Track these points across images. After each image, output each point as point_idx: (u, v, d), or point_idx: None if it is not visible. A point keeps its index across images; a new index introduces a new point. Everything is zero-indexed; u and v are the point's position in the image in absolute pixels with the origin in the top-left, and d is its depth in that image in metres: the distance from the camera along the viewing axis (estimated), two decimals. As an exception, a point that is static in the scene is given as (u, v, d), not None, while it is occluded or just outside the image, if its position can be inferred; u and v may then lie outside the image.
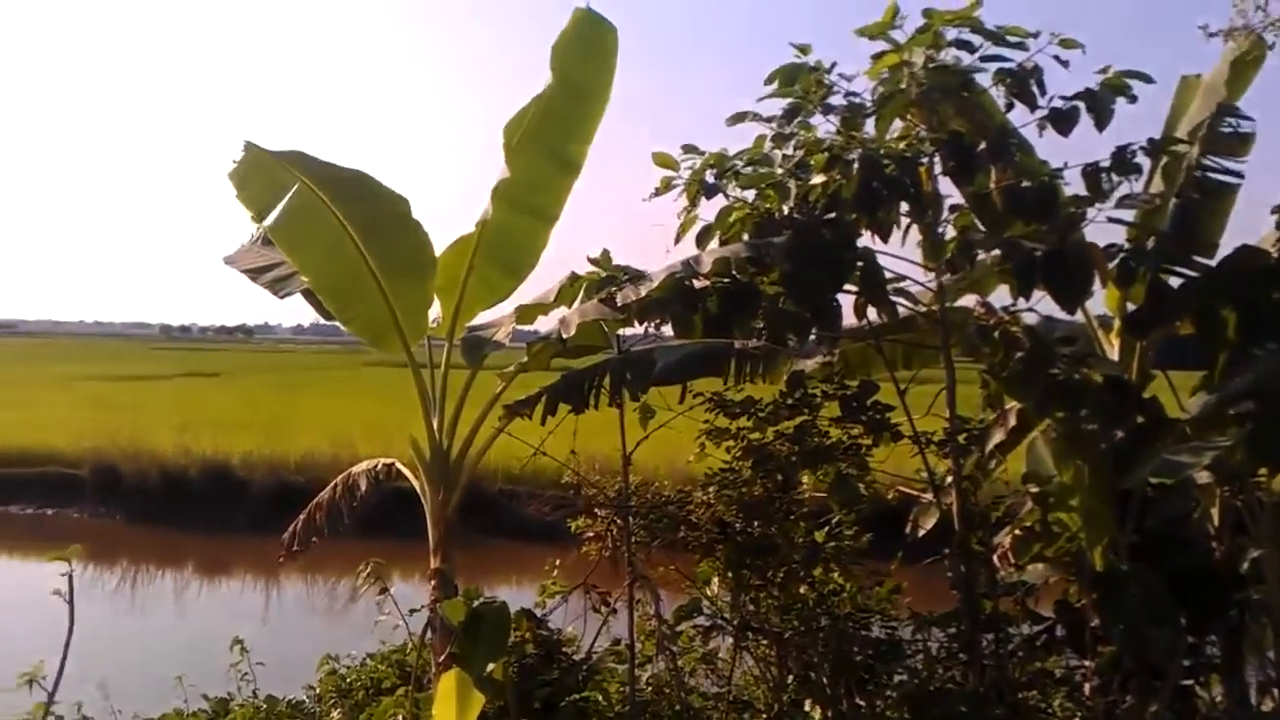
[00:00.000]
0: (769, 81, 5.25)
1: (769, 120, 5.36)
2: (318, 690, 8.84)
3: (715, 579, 5.59)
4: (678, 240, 5.52)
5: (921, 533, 5.27)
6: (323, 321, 5.87)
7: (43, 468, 22.81)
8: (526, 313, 5.31)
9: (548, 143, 5.36)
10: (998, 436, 5.29)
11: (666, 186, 5.48)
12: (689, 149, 5.49)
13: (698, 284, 5.17)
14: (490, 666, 4.43)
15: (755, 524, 5.40)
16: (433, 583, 5.18)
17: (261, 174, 4.97)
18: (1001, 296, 5.19)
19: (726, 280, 5.19)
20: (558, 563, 6.38)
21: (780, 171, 5.31)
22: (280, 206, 4.90)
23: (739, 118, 5.37)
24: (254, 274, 5.67)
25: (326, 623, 16.69)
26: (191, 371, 56.62)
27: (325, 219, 4.92)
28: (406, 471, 5.54)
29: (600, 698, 5.79)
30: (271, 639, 8.85)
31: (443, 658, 4.89)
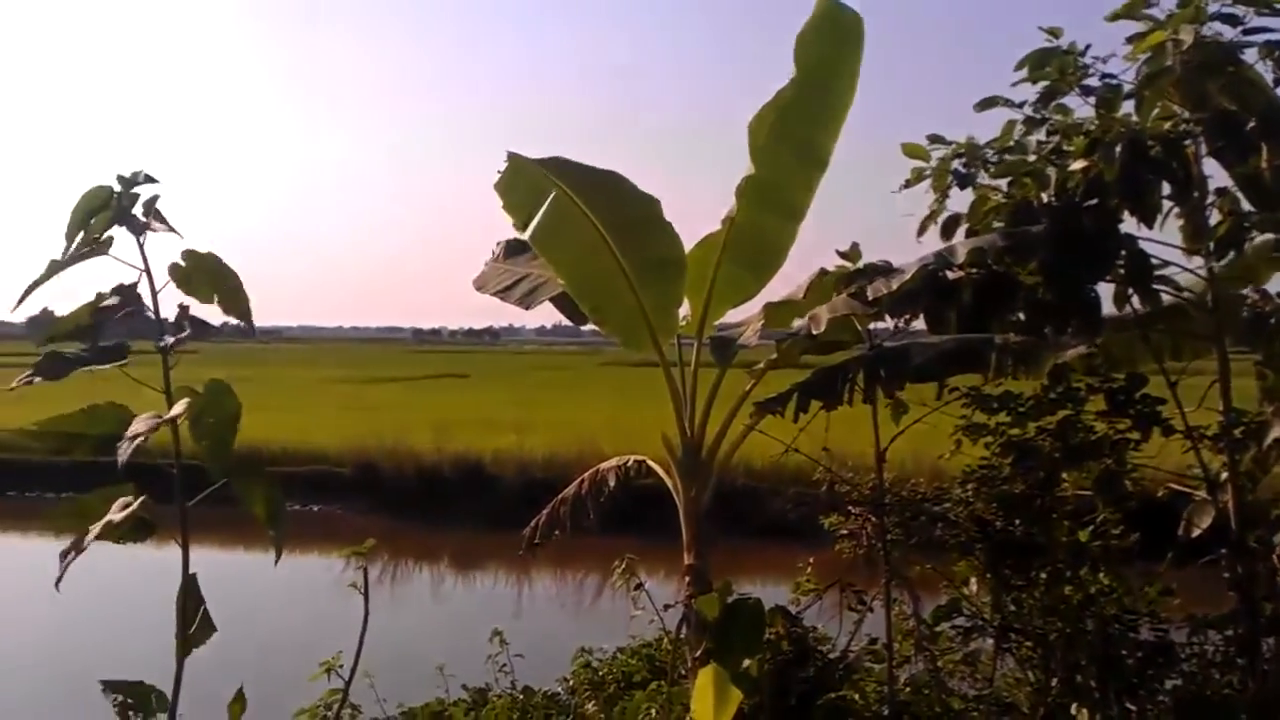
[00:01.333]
0: (1019, 67, 5.06)
1: (1019, 105, 5.18)
2: (570, 682, 9.06)
3: (974, 579, 5.45)
4: (921, 232, 5.39)
5: (1196, 532, 5.00)
6: (565, 323, 5.99)
7: (310, 466, 23.97)
8: (776, 314, 5.29)
9: (794, 138, 5.30)
10: (1276, 431, 4.97)
11: (918, 178, 5.35)
12: (935, 139, 5.36)
13: (951, 275, 5.03)
14: (746, 663, 4.43)
15: (1016, 522, 5.24)
16: (686, 579, 5.22)
17: (524, 182, 5.11)
18: (1278, 283, 4.90)
19: (982, 271, 5.04)
20: (810, 560, 6.34)
21: (1034, 158, 5.13)
22: (539, 216, 5.03)
23: (989, 103, 5.20)
24: (503, 294, 5.85)
25: (574, 616, 17.06)
26: (442, 373, 58.74)
27: (581, 223, 5.01)
28: (658, 468, 5.60)
29: (857, 697, 5.73)
30: (522, 632, 9.07)
31: (698, 653, 4.92)
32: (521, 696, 8.21)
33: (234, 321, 2.84)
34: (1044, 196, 5.06)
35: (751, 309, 5.74)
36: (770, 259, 5.52)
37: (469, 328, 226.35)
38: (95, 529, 2.72)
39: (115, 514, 2.71)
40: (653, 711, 6.88)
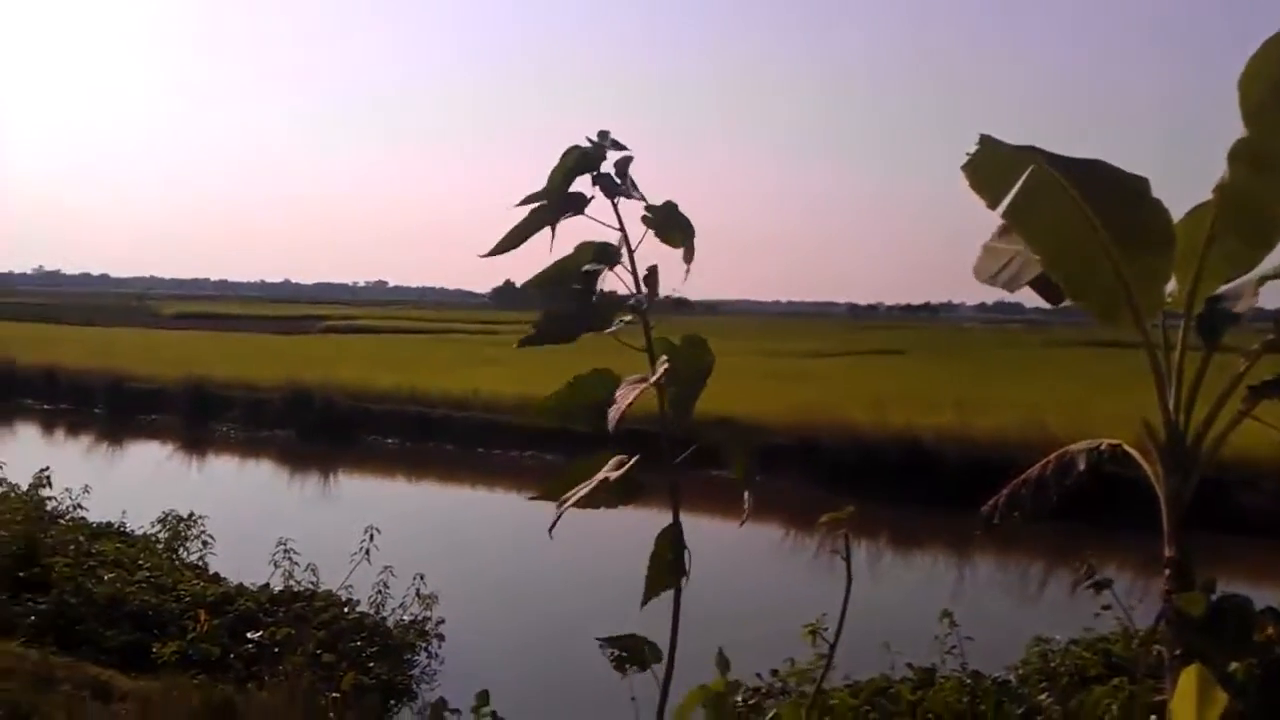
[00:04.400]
0: None
1: None
2: (1020, 670, 8.77)
3: None
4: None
5: None
6: (1008, 300, 5.73)
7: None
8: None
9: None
10: None
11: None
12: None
13: None
14: (1233, 665, 4.11)
15: None
16: (1166, 572, 4.86)
17: (994, 164, 4.94)
18: None
19: None
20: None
21: None
22: (1013, 191, 4.84)
23: None
24: (991, 279, 5.68)
25: (1018, 603, 16.52)
26: (879, 349, 58.51)
27: (1059, 196, 4.78)
28: (1136, 455, 5.25)
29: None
30: (962, 614, 8.87)
31: (1177, 652, 4.58)
32: (970, 681, 8.04)
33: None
34: None
35: (1244, 282, 5.25)
36: (1269, 229, 5.02)
37: (906, 303, 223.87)
38: (583, 489, 2.83)
39: (610, 473, 2.81)
40: (1113, 708, 6.51)
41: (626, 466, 2.80)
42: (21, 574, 11.37)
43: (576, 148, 2.98)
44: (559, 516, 2.72)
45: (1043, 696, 7.79)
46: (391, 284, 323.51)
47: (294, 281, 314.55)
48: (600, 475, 2.87)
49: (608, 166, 2.86)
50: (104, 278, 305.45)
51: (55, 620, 10.60)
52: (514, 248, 3.01)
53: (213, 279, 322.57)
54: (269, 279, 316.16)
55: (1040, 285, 5.45)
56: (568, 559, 17.09)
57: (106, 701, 7.87)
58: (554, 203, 2.94)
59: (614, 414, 2.80)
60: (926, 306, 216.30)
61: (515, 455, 27.16)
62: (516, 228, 2.95)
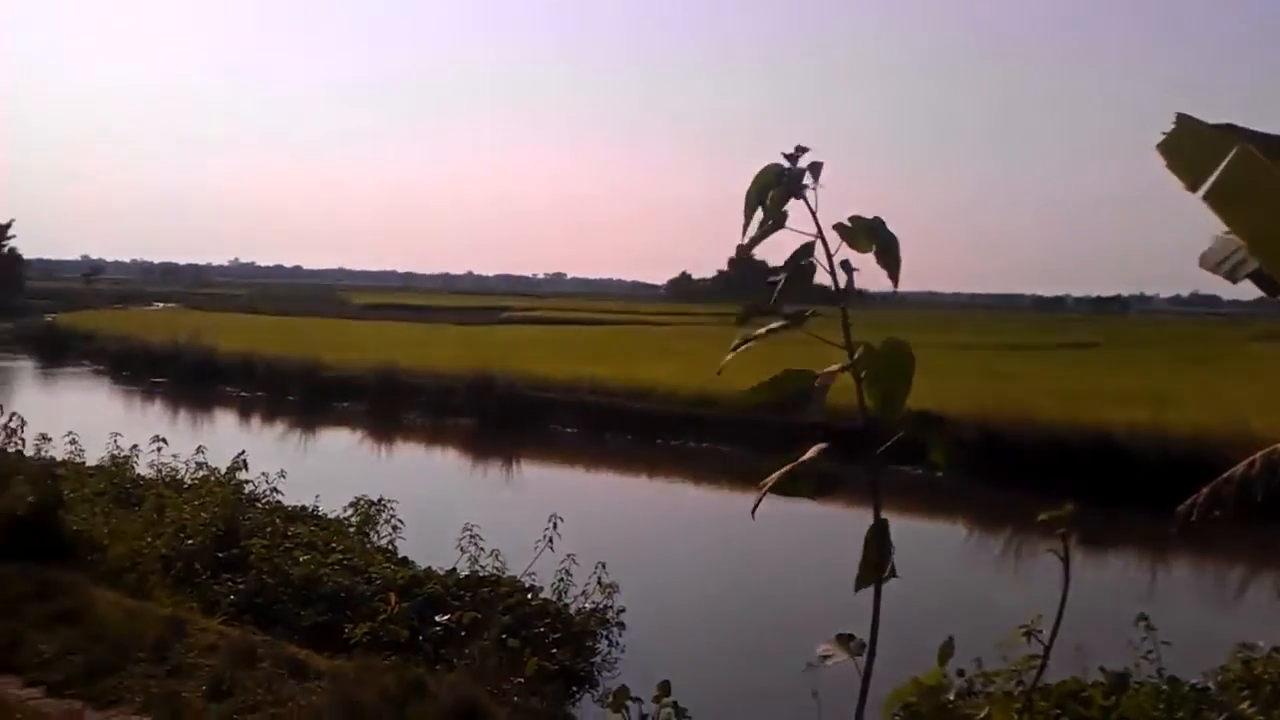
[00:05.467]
0: None
1: None
2: (1220, 678, 8.35)
3: None
4: None
5: None
6: (1203, 292, 5.42)
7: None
8: None
9: None
10: None
11: None
12: None
13: None
14: None
15: None
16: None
17: (1193, 144, 4.68)
18: None
19: None
20: None
21: None
22: (1216, 173, 4.58)
23: None
24: (1215, 267, 5.40)
25: (1216, 608, 15.83)
26: (1067, 342, 56.80)
27: (1269, 180, 4.50)
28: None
29: None
30: (1157, 619, 8.51)
31: None
32: (1167, 688, 7.71)
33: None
34: None
35: None
36: None
37: (1095, 295, 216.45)
38: (783, 471, 2.78)
39: (807, 468, 2.76)
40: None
41: (819, 449, 2.74)
42: (221, 554, 11.87)
43: (774, 166, 2.95)
44: (760, 499, 2.69)
45: (1245, 705, 7.40)
46: (570, 276, 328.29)
47: (476, 273, 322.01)
48: (804, 458, 2.81)
49: (800, 173, 2.82)
50: (297, 269, 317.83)
51: (253, 599, 11.03)
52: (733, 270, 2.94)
53: (399, 271, 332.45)
54: (452, 271, 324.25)
55: (1258, 276, 5.15)
56: (749, 552, 17.05)
57: (303, 679, 8.13)
58: (763, 226, 2.91)
59: (820, 383, 2.75)
60: (1117, 299, 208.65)
61: (693, 447, 27.22)
62: (738, 254, 2.91)
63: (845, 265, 2.88)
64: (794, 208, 2.85)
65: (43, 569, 10.42)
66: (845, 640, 2.64)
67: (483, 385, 31.55)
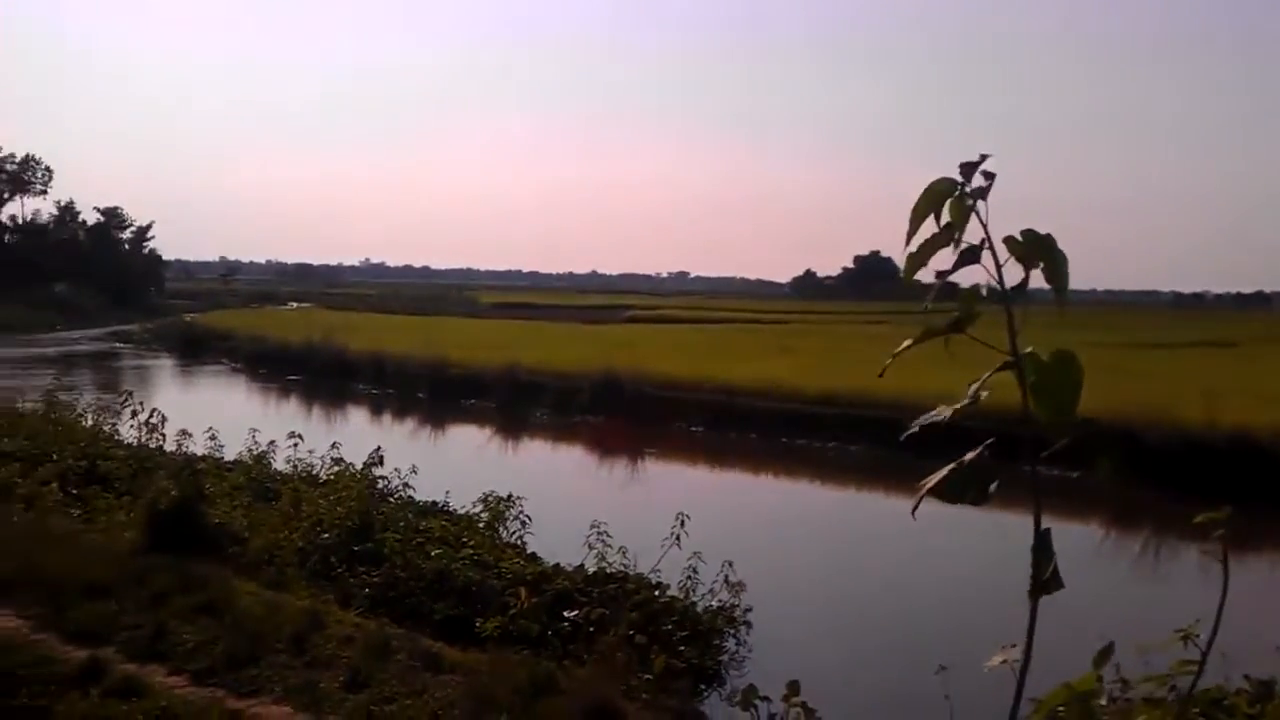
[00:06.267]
0: None
1: None
2: None
3: None
4: None
5: None
6: None
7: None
8: None
9: None
10: None
11: None
12: None
13: None
14: None
15: None
16: None
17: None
18: None
19: None
20: None
21: None
22: None
23: None
24: None
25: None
26: (1205, 340, 55.02)
27: None
28: None
29: None
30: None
31: None
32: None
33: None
34: None
35: None
36: None
37: (1236, 292, 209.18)
38: (941, 473, 2.72)
39: (971, 469, 2.69)
40: None
41: (984, 448, 2.67)
42: (356, 548, 12.11)
43: (945, 179, 2.90)
44: (919, 499, 2.64)
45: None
46: (693, 274, 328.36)
47: (600, 272, 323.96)
48: (969, 458, 2.74)
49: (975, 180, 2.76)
50: (425, 269, 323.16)
51: (387, 593, 11.23)
52: (915, 269, 2.93)
53: (525, 270, 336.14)
54: (576, 270, 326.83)
55: None
56: (878, 553, 16.86)
57: (437, 672, 8.25)
58: (933, 239, 2.86)
59: (977, 389, 2.69)
60: (1259, 295, 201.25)
61: (819, 446, 26.99)
62: (907, 267, 2.88)
63: (1018, 287, 2.80)
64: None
65: (185, 561, 10.73)
66: (1006, 649, 2.57)
67: (607, 383, 31.73)
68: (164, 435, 16.60)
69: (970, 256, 2.81)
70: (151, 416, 16.55)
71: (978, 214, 2.78)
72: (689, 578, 11.49)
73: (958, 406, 2.74)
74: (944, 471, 2.65)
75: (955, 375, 2.79)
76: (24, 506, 13.49)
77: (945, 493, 2.62)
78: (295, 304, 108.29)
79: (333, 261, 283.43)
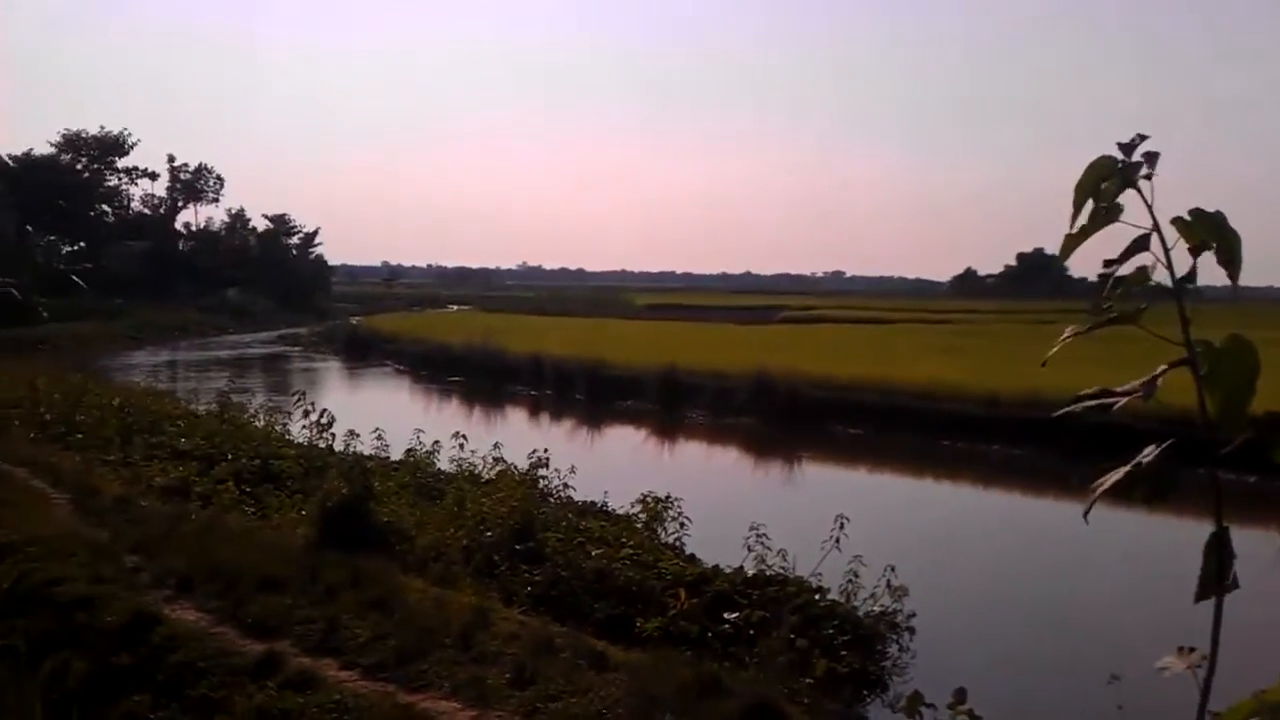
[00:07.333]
0: None
1: None
2: None
3: None
4: None
5: None
6: None
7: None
8: None
9: None
10: None
11: None
12: None
13: None
14: None
15: None
16: None
17: None
18: None
19: None
20: None
21: None
22: None
23: None
24: None
25: None
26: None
27: None
28: None
29: None
30: None
31: None
32: None
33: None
34: None
35: None
36: None
37: None
38: (1116, 474, 2.62)
39: (1141, 471, 2.58)
40: None
41: (1163, 448, 2.56)
42: (519, 546, 12.28)
43: (1107, 157, 2.78)
44: (1093, 502, 2.55)
45: None
46: (849, 274, 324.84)
47: (754, 273, 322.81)
48: (1145, 458, 2.63)
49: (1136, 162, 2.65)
50: (580, 272, 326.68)
51: (549, 591, 11.36)
52: (1066, 256, 2.84)
53: (678, 272, 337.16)
54: (730, 271, 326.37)
55: None
56: (1045, 558, 16.42)
57: (600, 670, 8.30)
58: (1094, 219, 2.76)
59: (1149, 383, 2.58)
60: None
61: (982, 449, 26.41)
62: (1061, 251, 2.78)
63: (1188, 275, 2.69)
64: (1127, 199, 2.70)
65: (354, 557, 11.01)
66: (1184, 652, 2.46)
67: (762, 384, 31.57)
68: (333, 435, 17.08)
69: (1140, 244, 2.70)
70: (321, 417, 17.05)
71: (1143, 196, 2.67)
72: (850, 581, 11.34)
73: (1128, 388, 2.64)
74: (1119, 473, 2.55)
75: (1124, 376, 2.68)
76: (201, 504, 14.06)
77: (1119, 492, 2.52)
78: (455, 307, 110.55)
79: (491, 265, 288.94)
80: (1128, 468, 2.65)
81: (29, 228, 68.21)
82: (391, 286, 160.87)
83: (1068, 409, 2.95)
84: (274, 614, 9.69)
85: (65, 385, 25.20)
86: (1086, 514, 2.59)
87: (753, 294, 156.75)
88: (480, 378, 40.95)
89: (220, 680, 8.52)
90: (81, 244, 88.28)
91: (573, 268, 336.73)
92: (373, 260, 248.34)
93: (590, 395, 36.25)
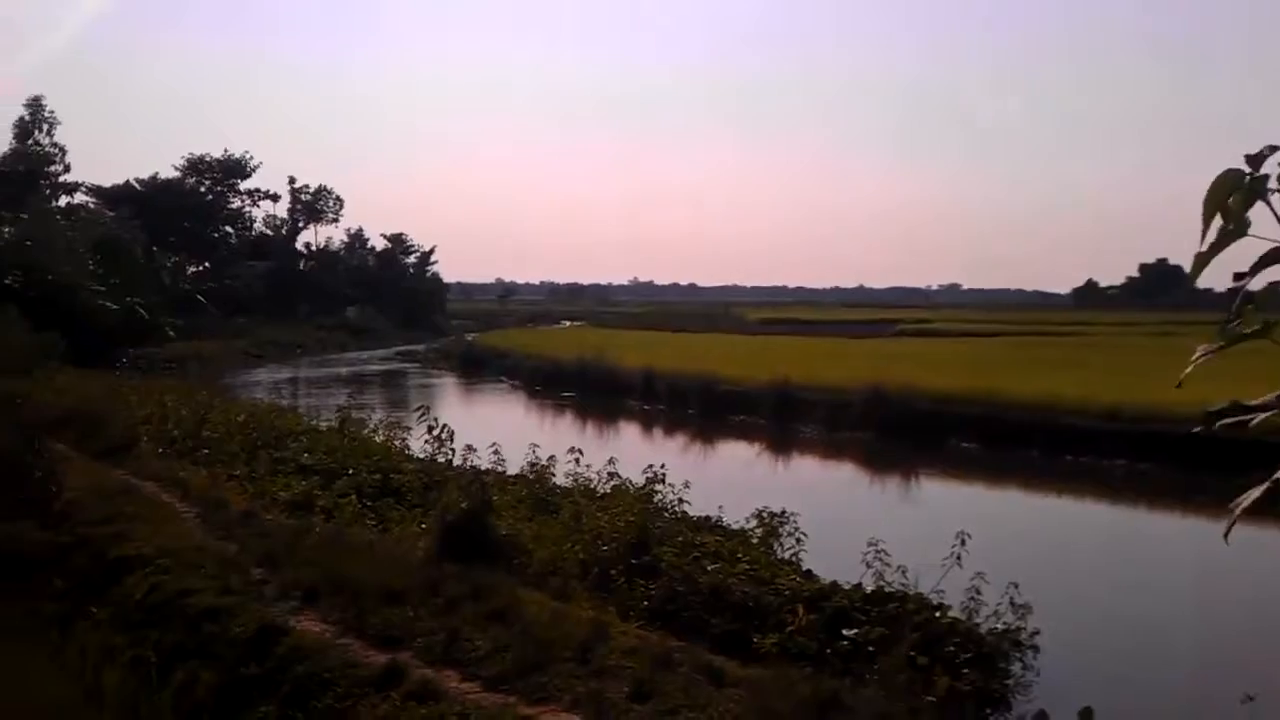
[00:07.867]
0: None
1: None
2: None
3: None
4: None
5: None
6: None
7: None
8: None
9: None
10: None
11: None
12: None
13: None
14: None
15: None
16: None
17: None
18: None
19: None
20: None
21: None
22: None
23: None
24: None
25: None
26: None
27: None
28: None
29: None
30: None
31: None
32: None
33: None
34: None
35: None
36: None
37: None
38: (1249, 497, 2.57)
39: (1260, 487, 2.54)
40: None
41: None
42: (635, 561, 12.32)
43: (1234, 170, 2.72)
44: (1233, 521, 2.52)
45: None
46: (965, 287, 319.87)
47: (867, 286, 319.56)
48: (1275, 477, 2.60)
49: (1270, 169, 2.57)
50: (691, 286, 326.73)
51: (665, 606, 11.38)
52: (1198, 274, 2.78)
53: (790, 286, 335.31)
54: (843, 284, 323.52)
55: None
56: (1174, 578, 16.00)
57: (719, 686, 8.29)
58: (1224, 234, 2.70)
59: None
60: None
61: (1106, 464, 25.79)
62: (1194, 269, 2.73)
63: None
64: (1256, 213, 2.64)
65: (474, 570, 11.15)
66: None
67: (877, 399, 31.19)
68: (452, 450, 17.30)
69: (1270, 258, 2.63)
70: (440, 432, 17.28)
71: (1272, 209, 2.59)
72: (972, 598, 11.16)
73: (1262, 402, 2.57)
74: (1258, 490, 2.49)
75: (1254, 390, 2.62)
76: (324, 517, 14.36)
77: (1262, 507, 2.46)
78: (568, 322, 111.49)
79: (603, 281, 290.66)
80: (1266, 485, 2.59)
81: (156, 249, 70.61)
82: (505, 303, 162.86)
83: (1201, 427, 2.89)
84: (396, 625, 9.87)
85: (192, 402, 25.94)
86: (1227, 534, 2.53)
87: (866, 307, 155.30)
88: (593, 393, 41.22)
89: (345, 691, 8.70)
90: (206, 264, 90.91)
91: (684, 283, 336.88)
92: (487, 277, 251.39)
93: (702, 410, 36.23)
